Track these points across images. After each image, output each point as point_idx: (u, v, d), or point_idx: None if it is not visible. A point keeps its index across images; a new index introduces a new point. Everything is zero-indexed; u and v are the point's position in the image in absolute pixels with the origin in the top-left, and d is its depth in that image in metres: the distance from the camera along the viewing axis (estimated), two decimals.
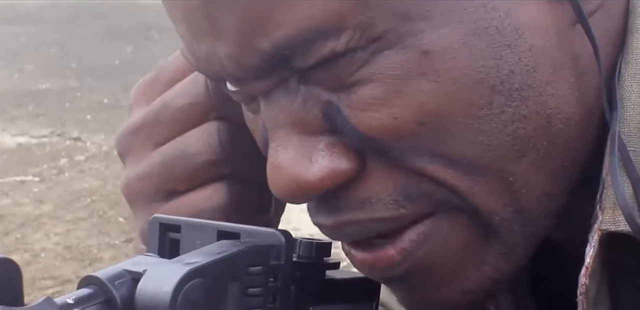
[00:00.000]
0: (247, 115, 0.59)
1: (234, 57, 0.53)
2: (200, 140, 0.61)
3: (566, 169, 0.55)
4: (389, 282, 0.58)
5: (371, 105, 0.52)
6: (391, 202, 0.54)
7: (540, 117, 0.53)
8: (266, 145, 0.56)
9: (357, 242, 0.57)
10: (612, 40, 0.57)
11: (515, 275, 0.58)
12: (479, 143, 0.52)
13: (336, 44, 0.51)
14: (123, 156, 0.64)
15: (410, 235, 0.55)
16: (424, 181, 0.53)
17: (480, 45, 0.52)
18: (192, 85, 0.62)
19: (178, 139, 0.62)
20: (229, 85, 0.57)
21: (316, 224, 0.57)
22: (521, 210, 0.55)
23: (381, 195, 0.54)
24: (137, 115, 0.64)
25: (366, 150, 0.53)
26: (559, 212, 0.56)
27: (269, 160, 0.55)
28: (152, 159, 0.62)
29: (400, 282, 0.57)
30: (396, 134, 0.52)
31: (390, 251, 0.55)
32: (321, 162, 0.53)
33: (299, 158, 0.54)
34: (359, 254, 0.57)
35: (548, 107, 0.53)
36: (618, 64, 0.56)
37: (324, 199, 0.55)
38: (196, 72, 0.62)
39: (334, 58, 0.52)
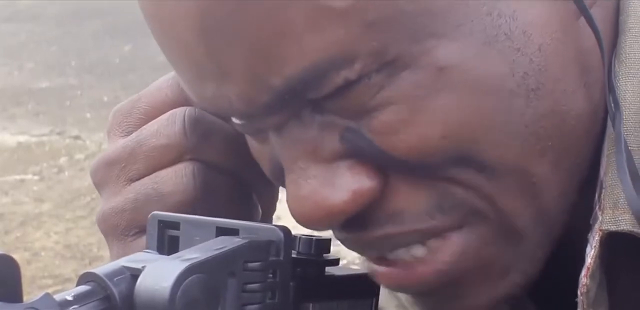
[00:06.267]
0: (252, 144, 0.58)
1: (244, 96, 0.52)
2: (174, 181, 0.60)
3: (579, 166, 0.55)
4: (415, 294, 0.58)
5: (395, 128, 0.51)
6: (423, 213, 0.54)
7: (555, 115, 0.53)
8: (277, 174, 0.56)
9: (381, 258, 0.56)
10: (606, 37, 0.56)
11: (537, 276, 0.57)
12: (504, 146, 0.52)
13: (350, 72, 0.50)
14: (98, 187, 0.63)
15: (444, 257, 0.55)
16: (455, 189, 0.53)
17: (492, 54, 0.51)
18: (169, 125, 0.61)
19: (152, 176, 0.61)
20: (234, 119, 0.56)
21: (340, 239, 0.57)
22: (542, 210, 0.55)
23: (412, 207, 0.53)
24: (113, 147, 0.62)
25: (391, 168, 0.53)
26: (570, 211, 0.56)
27: (290, 192, 0.54)
28: (126, 195, 0.61)
29: (428, 294, 0.57)
30: (425, 152, 0.52)
31: (423, 270, 0.55)
32: (344, 185, 0.53)
33: (321, 186, 0.53)
34: (385, 269, 0.56)
35: (562, 105, 0.53)
36: (613, 63, 0.56)
37: (351, 217, 0.54)
38: (172, 111, 0.61)
39: (348, 86, 0.51)
